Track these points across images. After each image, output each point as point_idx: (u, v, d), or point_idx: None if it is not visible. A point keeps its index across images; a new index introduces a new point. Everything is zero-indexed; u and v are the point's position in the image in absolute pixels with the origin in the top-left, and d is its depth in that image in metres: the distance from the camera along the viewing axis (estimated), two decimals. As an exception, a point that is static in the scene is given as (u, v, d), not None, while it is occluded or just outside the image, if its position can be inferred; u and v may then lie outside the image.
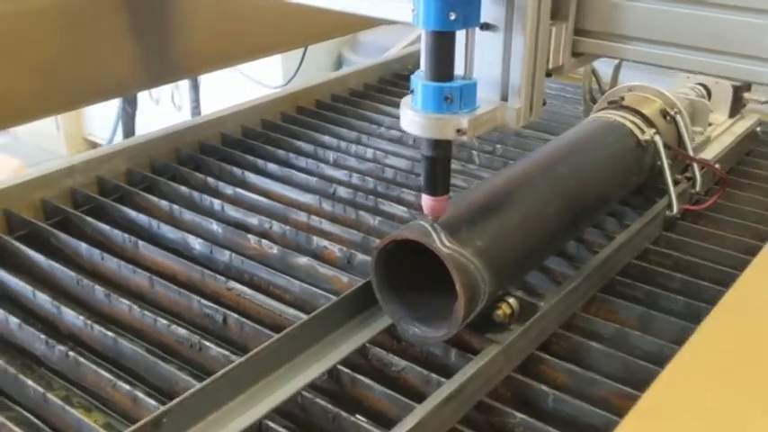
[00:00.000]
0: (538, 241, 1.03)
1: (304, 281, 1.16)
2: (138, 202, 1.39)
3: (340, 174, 1.48)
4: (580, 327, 1.06)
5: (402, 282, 0.99)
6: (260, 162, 1.51)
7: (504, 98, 0.91)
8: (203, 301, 1.09)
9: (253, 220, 1.32)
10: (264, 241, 1.24)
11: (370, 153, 1.57)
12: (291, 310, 1.06)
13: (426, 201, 0.92)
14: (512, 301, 0.99)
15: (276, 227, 1.29)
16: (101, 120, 4.01)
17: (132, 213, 1.32)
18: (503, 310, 0.98)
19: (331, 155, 1.56)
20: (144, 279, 1.15)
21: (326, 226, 1.30)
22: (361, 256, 1.20)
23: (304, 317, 1.03)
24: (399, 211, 1.34)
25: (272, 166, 1.50)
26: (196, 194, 1.39)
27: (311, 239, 1.25)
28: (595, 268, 1.10)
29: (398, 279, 0.98)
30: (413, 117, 0.87)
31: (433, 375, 0.94)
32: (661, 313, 1.07)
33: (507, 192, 1.03)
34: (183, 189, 1.41)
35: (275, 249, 1.22)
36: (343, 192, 1.41)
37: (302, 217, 1.33)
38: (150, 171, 1.50)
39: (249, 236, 1.25)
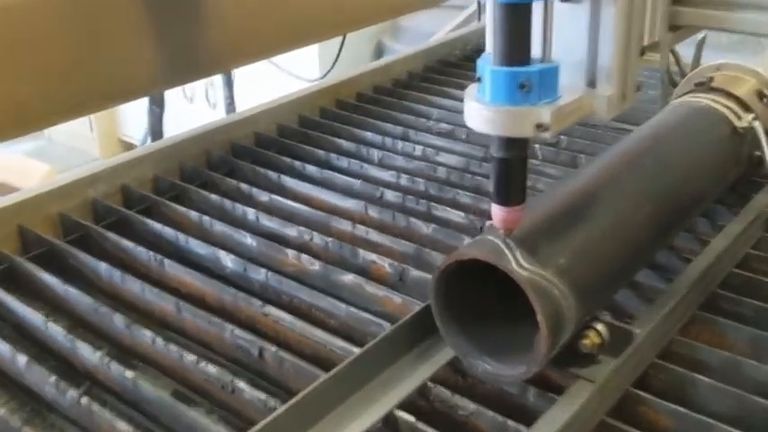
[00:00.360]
0: (630, 253, 0.87)
1: (350, 302, 1.01)
2: (166, 212, 1.25)
3: (386, 175, 1.32)
4: (680, 355, 0.89)
5: (467, 307, 0.83)
6: (297, 164, 1.37)
7: (592, 84, 0.74)
8: (236, 330, 0.94)
9: (291, 231, 1.17)
10: (304, 256, 1.09)
11: (419, 150, 1.41)
12: (337, 341, 0.91)
13: (497, 212, 0.76)
14: (600, 327, 0.83)
15: (317, 238, 1.14)
16: (135, 119, 3.90)
17: (158, 227, 1.19)
18: (590, 338, 0.82)
19: (375, 153, 1.40)
20: (170, 304, 1.01)
21: (374, 236, 1.15)
22: (414, 272, 1.04)
23: (353, 349, 0.88)
24: (455, 216, 1.18)
25: (310, 168, 1.35)
26: (228, 203, 1.24)
27: (357, 253, 1.10)
28: (694, 282, 0.93)
29: (463, 304, 0.83)
30: (480, 111, 0.71)
31: (510, 422, 0.78)
32: (777, 335, 0.89)
33: (591, 194, 0.86)
34: (214, 197, 1.27)
35: (317, 265, 1.07)
36: (390, 196, 1.25)
37: (346, 226, 1.17)
38: (179, 178, 1.36)
39: (287, 250, 1.10)
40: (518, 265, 0.75)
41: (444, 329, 0.82)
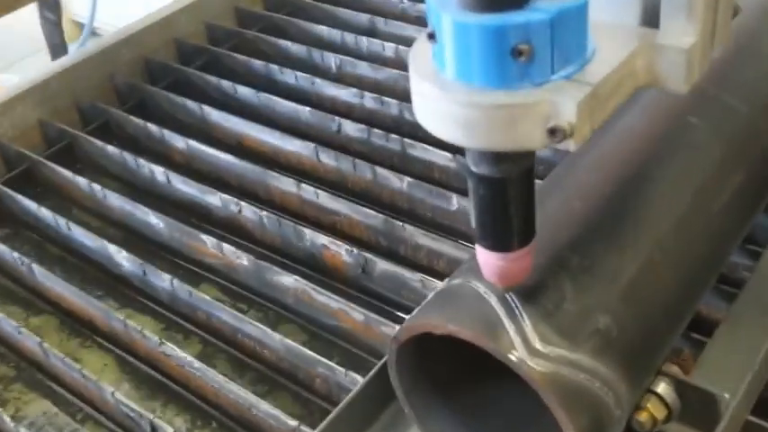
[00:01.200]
0: (694, 280, 0.53)
1: (292, 317, 0.71)
2: (49, 176, 0.92)
3: (346, 94, 0.97)
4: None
5: (446, 377, 0.52)
6: (226, 85, 1.01)
7: (651, 22, 0.39)
8: (120, 396, 0.64)
9: (213, 199, 0.85)
10: (228, 247, 0.77)
11: (389, 49, 1.04)
12: (266, 405, 0.61)
13: (489, 260, 0.43)
14: (662, 389, 0.51)
15: (248, 211, 0.82)
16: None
17: (33, 207, 0.86)
18: (648, 411, 0.51)
19: (332, 60, 1.04)
20: (35, 345, 0.71)
21: (326, 200, 0.82)
22: (382, 264, 0.73)
23: (289, 422, 0.58)
24: (440, 158, 0.84)
25: (244, 92, 1.00)
26: (130, 159, 0.91)
27: (302, 234, 0.78)
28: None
29: (439, 373, 0.52)
30: (440, 105, 0.37)
31: None
32: None
33: (621, 198, 0.51)
34: (112, 150, 0.93)
35: (245, 260, 0.76)
36: (351, 129, 0.91)
37: (288, 186, 0.84)
38: (72, 122, 1.01)
39: (205, 237, 0.79)
40: (528, 350, 0.42)
41: (413, 409, 0.52)
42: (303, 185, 0.83)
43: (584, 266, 0.47)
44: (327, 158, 0.88)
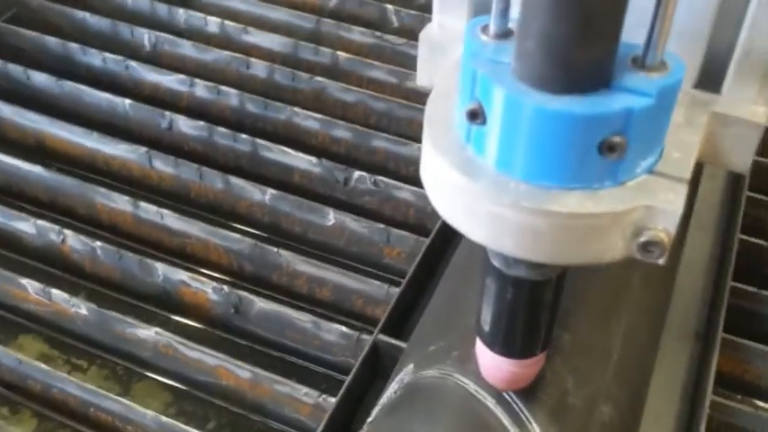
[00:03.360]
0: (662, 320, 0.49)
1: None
2: None
3: (171, 81, 0.82)
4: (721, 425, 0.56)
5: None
6: (15, 70, 0.81)
7: (709, 85, 0.32)
8: None
9: (24, 226, 0.68)
10: (55, 292, 0.62)
11: (213, 24, 0.89)
12: None
13: (501, 365, 0.35)
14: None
15: (73, 240, 0.66)
16: None
17: None
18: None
19: (146, 37, 0.87)
20: None
21: (172, 220, 0.68)
22: (259, 302, 0.62)
23: None
24: (301, 161, 0.73)
25: (39, 78, 0.81)
26: None
27: (153, 268, 0.64)
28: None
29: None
30: (483, 206, 0.27)
31: None
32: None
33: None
34: None
35: (83, 309, 0.61)
36: (186, 126, 0.77)
37: (123, 204, 0.69)
38: None
39: (25, 281, 0.62)
40: (544, 468, 0.35)
41: None
42: (142, 204, 0.69)
43: (577, 347, 0.40)
44: (163, 164, 0.73)
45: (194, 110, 0.80)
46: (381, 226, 0.67)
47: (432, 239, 0.62)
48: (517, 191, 0.27)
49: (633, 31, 0.26)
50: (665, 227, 0.27)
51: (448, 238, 0.63)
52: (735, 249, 0.61)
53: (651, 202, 0.27)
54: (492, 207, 0.27)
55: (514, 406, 0.37)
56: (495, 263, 0.31)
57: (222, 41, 0.88)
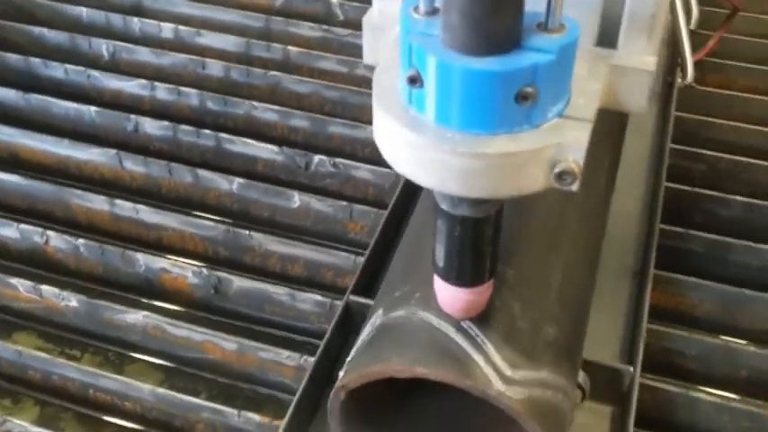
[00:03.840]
0: (591, 276, 0.56)
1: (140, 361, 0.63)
2: None
3: (132, 86, 0.87)
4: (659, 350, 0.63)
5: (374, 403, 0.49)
6: (-19, 88, 0.85)
7: (607, 42, 0.38)
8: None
9: (8, 231, 0.72)
10: (48, 289, 0.66)
11: (168, 30, 0.94)
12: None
13: (456, 296, 0.40)
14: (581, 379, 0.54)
15: (57, 240, 0.71)
16: None
17: None
18: (569, 397, 0.53)
19: (104, 47, 0.91)
20: None
21: (148, 214, 0.73)
22: (237, 280, 0.67)
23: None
24: (263, 151, 0.78)
25: (5, 93, 0.85)
26: None
27: (134, 259, 0.69)
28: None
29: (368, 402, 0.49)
30: (430, 155, 0.33)
31: None
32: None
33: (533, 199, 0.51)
34: None
35: (74, 301, 0.66)
36: (151, 127, 0.81)
37: (99, 204, 0.74)
38: None
39: (15, 281, 0.67)
40: (502, 380, 0.41)
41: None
42: (117, 201, 0.74)
43: (520, 279, 0.46)
44: (134, 164, 0.78)
45: (157, 111, 0.85)
46: (344, 203, 0.73)
47: (390, 211, 0.68)
48: (454, 139, 0.33)
49: (538, 3, 0.32)
50: (574, 158, 0.33)
51: (404, 207, 0.69)
52: (661, 195, 0.68)
53: (561, 140, 0.33)
54: (436, 155, 0.33)
55: (471, 332, 0.43)
56: (443, 206, 0.37)
57: (177, 45, 0.93)
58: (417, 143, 0.33)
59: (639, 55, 0.37)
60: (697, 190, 0.73)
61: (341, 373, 0.45)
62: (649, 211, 0.69)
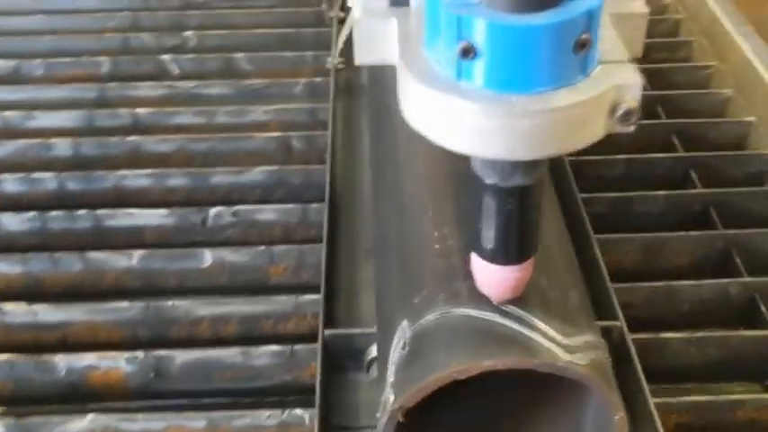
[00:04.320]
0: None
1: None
2: None
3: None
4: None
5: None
6: None
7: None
8: None
9: None
10: (-37, 424, 0.56)
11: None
12: None
13: (504, 275, 0.39)
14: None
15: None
16: None
17: None
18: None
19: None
20: None
21: (51, 313, 0.65)
22: (180, 355, 0.61)
23: None
24: (150, 218, 0.72)
25: None
26: None
27: (51, 365, 0.60)
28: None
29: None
30: (489, 123, 0.32)
31: None
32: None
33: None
34: None
35: (2, 428, 0.56)
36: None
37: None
38: None
39: None
40: (564, 350, 0.41)
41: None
42: (8, 307, 0.64)
43: (552, 257, 0.46)
44: (7, 266, 0.69)
45: (13, 205, 0.75)
46: (262, 248, 0.69)
47: (326, 237, 0.65)
48: (521, 101, 0.32)
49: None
50: (632, 97, 0.33)
51: (335, 229, 0.66)
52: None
53: (619, 81, 0.33)
54: (503, 121, 0.32)
55: (516, 314, 0.42)
56: (493, 180, 0.36)
57: (9, 133, 0.83)
58: (483, 114, 0.32)
59: (630, 2, 0.38)
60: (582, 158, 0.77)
61: (389, 397, 0.42)
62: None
